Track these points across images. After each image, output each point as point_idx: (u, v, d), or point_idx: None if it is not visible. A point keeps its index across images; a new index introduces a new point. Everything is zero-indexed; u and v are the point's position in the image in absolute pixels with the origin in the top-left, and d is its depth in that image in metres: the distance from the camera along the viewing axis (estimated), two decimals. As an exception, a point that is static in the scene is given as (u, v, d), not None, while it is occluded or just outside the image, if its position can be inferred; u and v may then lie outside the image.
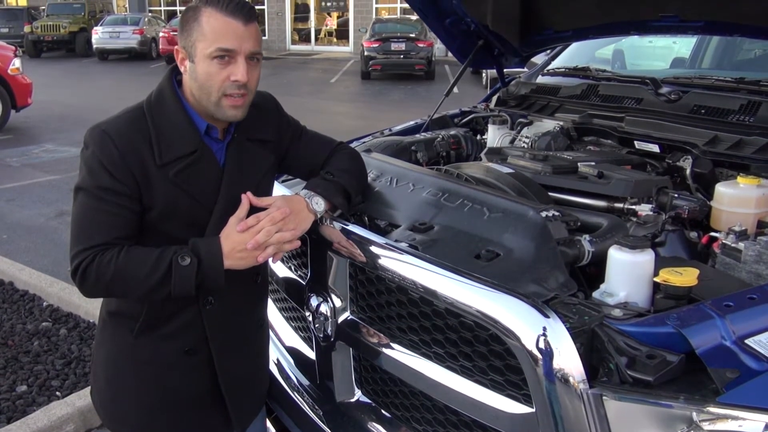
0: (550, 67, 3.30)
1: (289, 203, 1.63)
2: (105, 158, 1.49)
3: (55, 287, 3.98)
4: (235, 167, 1.64)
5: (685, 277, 1.37)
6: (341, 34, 27.75)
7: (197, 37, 1.51)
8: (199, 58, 1.51)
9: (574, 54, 3.32)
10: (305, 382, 2.05)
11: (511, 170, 2.02)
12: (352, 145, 2.28)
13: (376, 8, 25.68)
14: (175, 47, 1.59)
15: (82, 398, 2.87)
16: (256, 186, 1.68)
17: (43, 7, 25.65)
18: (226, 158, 1.64)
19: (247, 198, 1.58)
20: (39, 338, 3.50)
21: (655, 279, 1.40)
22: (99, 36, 21.83)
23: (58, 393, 3.03)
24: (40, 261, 4.82)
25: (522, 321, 1.28)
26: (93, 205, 1.50)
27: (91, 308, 3.67)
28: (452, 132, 2.77)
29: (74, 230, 1.52)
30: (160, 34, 21.01)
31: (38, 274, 4.21)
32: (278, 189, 1.92)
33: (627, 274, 1.42)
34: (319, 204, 1.70)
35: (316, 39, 27.92)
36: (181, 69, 1.58)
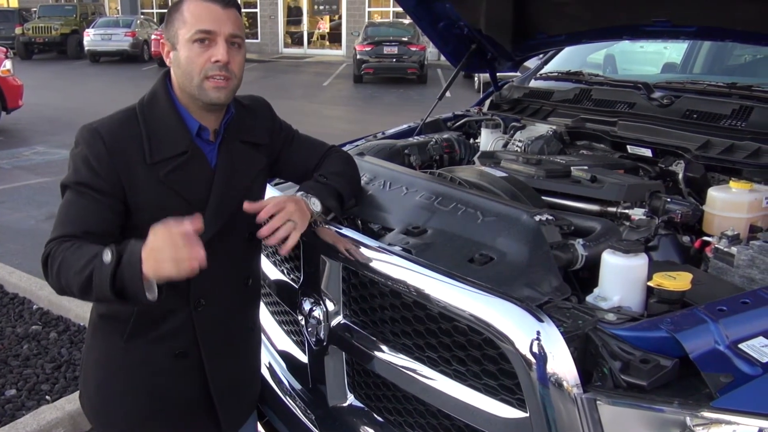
0: (542, 71, 3.31)
1: (287, 199, 1.64)
2: (92, 155, 1.50)
3: (45, 290, 3.94)
4: (226, 168, 1.63)
5: (679, 281, 1.37)
6: (334, 37, 27.76)
7: (178, 26, 1.54)
8: (181, 44, 1.54)
9: (567, 58, 3.33)
10: (297, 386, 2.04)
11: (504, 174, 2.02)
12: (345, 148, 2.28)
13: (369, 12, 25.71)
14: (161, 41, 1.61)
15: (71, 402, 2.84)
16: (247, 188, 1.68)
17: (35, 9, 25.52)
18: (217, 159, 1.63)
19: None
20: (29, 342, 3.48)
21: (649, 283, 1.40)
22: (91, 38, 21.75)
23: (47, 397, 3.00)
24: (30, 264, 4.77)
25: (516, 325, 1.28)
26: (72, 200, 1.51)
27: (81, 312, 3.65)
28: (445, 136, 2.77)
29: (54, 224, 1.51)
30: (152, 37, 20.91)
31: (28, 277, 4.18)
32: (270, 192, 1.91)
33: (620, 278, 1.42)
34: (316, 204, 1.71)
35: (309, 42, 27.93)
36: (167, 62, 1.60)
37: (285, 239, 1.60)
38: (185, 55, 1.54)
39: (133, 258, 1.34)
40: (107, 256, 1.36)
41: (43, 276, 1.48)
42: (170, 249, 1.31)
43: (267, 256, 2.17)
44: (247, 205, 1.59)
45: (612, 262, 1.43)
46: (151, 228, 1.34)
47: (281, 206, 1.61)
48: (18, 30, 22.80)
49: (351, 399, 1.86)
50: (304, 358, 2.00)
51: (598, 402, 1.20)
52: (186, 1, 1.55)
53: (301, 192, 1.73)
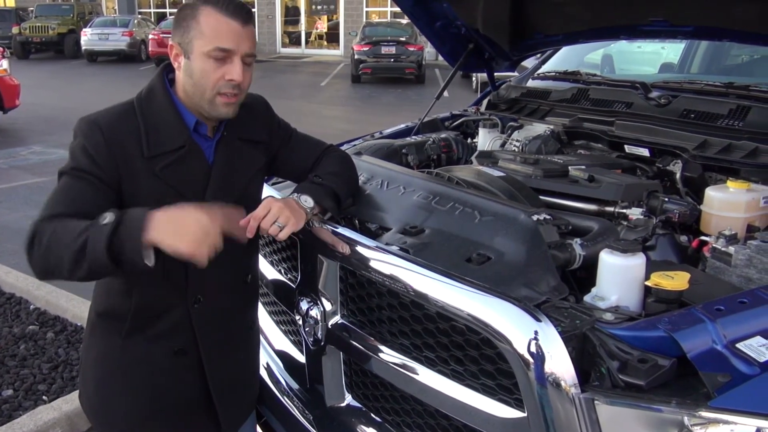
0: (540, 71, 3.31)
1: (273, 201, 1.64)
2: (90, 144, 1.49)
3: (42, 290, 3.93)
4: (224, 165, 1.63)
5: (677, 280, 1.37)
6: (331, 37, 27.74)
7: (194, 35, 1.52)
8: (195, 55, 1.52)
9: (564, 58, 3.33)
10: (295, 386, 2.04)
11: (502, 173, 2.02)
12: (343, 148, 2.27)
13: (367, 12, 25.70)
14: (169, 43, 1.59)
15: (69, 402, 2.84)
16: (245, 186, 1.68)
17: (32, 9, 25.47)
18: (214, 156, 1.63)
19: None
20: (25, 342, 3.47)
21: (647, 283, 1.40)
22: (88, 38, 21.71)
23: (44, 397, 2.99)
24: (27, 264, 4.76)
25: (513, 325, 1.27)
26: (66, 184, 1.50)
27: (78, 312, 3.64)
28: (443, 135, 2.77)
29: (43, 206, 1.50)
30: (150, 36, 20.89)
31: (25, 276, 4.16)
32: (268, 191, 1.91)
33: (618, 277, 1.42)
34: (308, 201, 1.70)
35: (307, 42, 27.90)
36: (174, 65, 1.59)
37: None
38: (200, 68, 1.52)
39: (136, 220, 1.36)
40: (106, 217, 1.37)
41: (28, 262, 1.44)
42: (198, 230, 1.35)
43: (264, 255, 2.17)
44: (243, 223, 1.59)
45: (610, 261, 1.42)
46: (181, 204, 1.39)
47: (266, 209, 1.60)
48: (15, 29, 22.72)
49: (349, 399, 1.86)
50: (301, 358, 2.00)
51: (595, 402, 1.20)
52: (203, 9, 1.51)
53: (294, 194, 1.72)
